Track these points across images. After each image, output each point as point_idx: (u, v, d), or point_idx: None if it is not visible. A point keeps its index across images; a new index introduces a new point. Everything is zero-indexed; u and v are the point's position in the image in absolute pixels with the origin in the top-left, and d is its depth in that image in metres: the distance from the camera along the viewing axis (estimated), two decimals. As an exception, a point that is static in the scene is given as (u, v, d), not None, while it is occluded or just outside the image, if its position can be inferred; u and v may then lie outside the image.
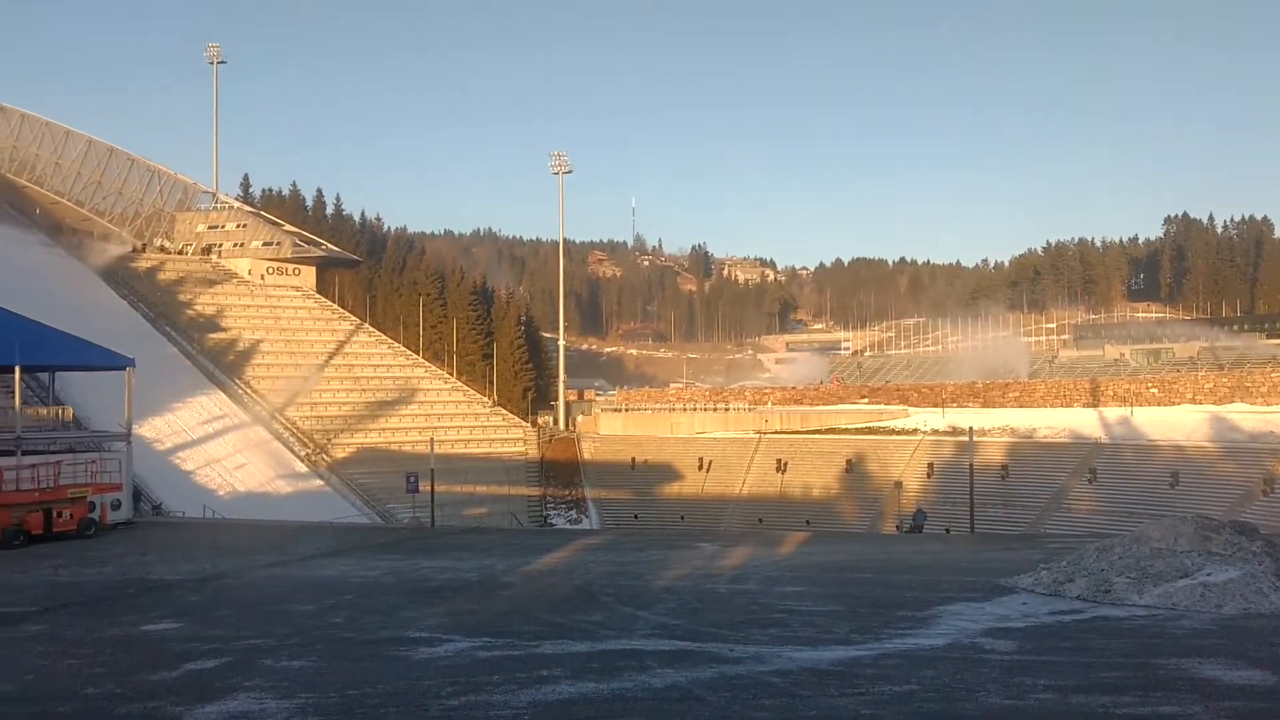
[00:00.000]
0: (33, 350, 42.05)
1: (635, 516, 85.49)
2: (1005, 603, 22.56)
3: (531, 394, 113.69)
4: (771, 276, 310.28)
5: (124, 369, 45.52)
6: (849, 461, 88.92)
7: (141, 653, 19.49)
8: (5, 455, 40.42)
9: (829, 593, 24.80)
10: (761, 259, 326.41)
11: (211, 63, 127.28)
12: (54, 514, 38.29)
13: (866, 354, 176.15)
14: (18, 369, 42.51)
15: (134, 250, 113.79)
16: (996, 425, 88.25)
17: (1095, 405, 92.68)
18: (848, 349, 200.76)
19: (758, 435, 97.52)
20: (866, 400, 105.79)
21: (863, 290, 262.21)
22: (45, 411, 50.22)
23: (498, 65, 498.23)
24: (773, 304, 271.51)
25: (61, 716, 15.28)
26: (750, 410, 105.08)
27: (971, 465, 55.05)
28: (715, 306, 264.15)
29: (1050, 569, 24.47)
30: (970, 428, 64.46)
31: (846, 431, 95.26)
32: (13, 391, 43.97)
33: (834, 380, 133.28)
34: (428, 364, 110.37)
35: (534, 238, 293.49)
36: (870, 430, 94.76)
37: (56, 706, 15.81)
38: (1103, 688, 14.99)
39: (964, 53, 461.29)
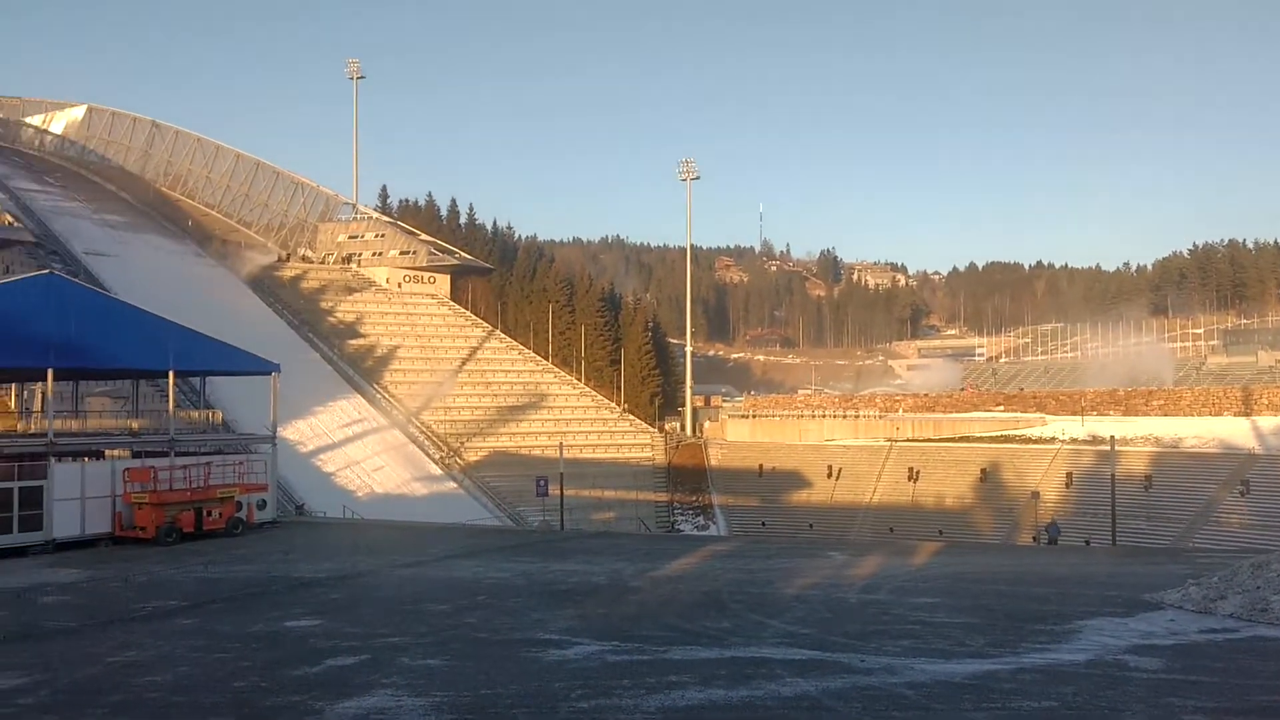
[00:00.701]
0: (185, 356, 44.05)
1: (763, 524, 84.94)
2: (1151, 619, 21.65)
3: (658, 400, 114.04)
4: (903, 281, 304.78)
5: (269, 374, 47.33)
6: (983, 470, 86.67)
7: (285, 648, 20.22)
8: (159, 456, 42.44)
9: (963, 604, 24.19)
10: (892, 263, 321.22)
11: (352, 78, 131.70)
12: (204, 513, 40.04)
13: (1001, 360, 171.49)
14: (171, 374, 44.61)
15: (279, 260, 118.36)
16: (1139, 434, 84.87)
17: (1248, 414, 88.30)
18: (982, 355, 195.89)
19: (889, 443, 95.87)
20: (1002, 408, 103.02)
21: (997, 295, 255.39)
22: (196, 415, 52.49)
23: (626, 74, 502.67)
24: (904, 309, 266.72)
25: (212, 708, 15.95)
26: (881, 417, 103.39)
27: (1113, 475, 53.05)
28: (844, 312, 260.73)
29: (1200, 585, 23.36)
30: (1111, 436, 62.14)
31: (981, 440, 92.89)
32: (167, 395, 46.14)
33: (968, 387, 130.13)
34: (556, 370, 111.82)
35: (661, 244, 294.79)
36: (1006, 438, 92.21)
37: (207, 698, 16.52)
38: (1258, 712, 14.25)
39: (1101, 44, 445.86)
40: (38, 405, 58.16)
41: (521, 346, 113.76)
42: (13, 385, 65.94)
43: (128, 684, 17.44)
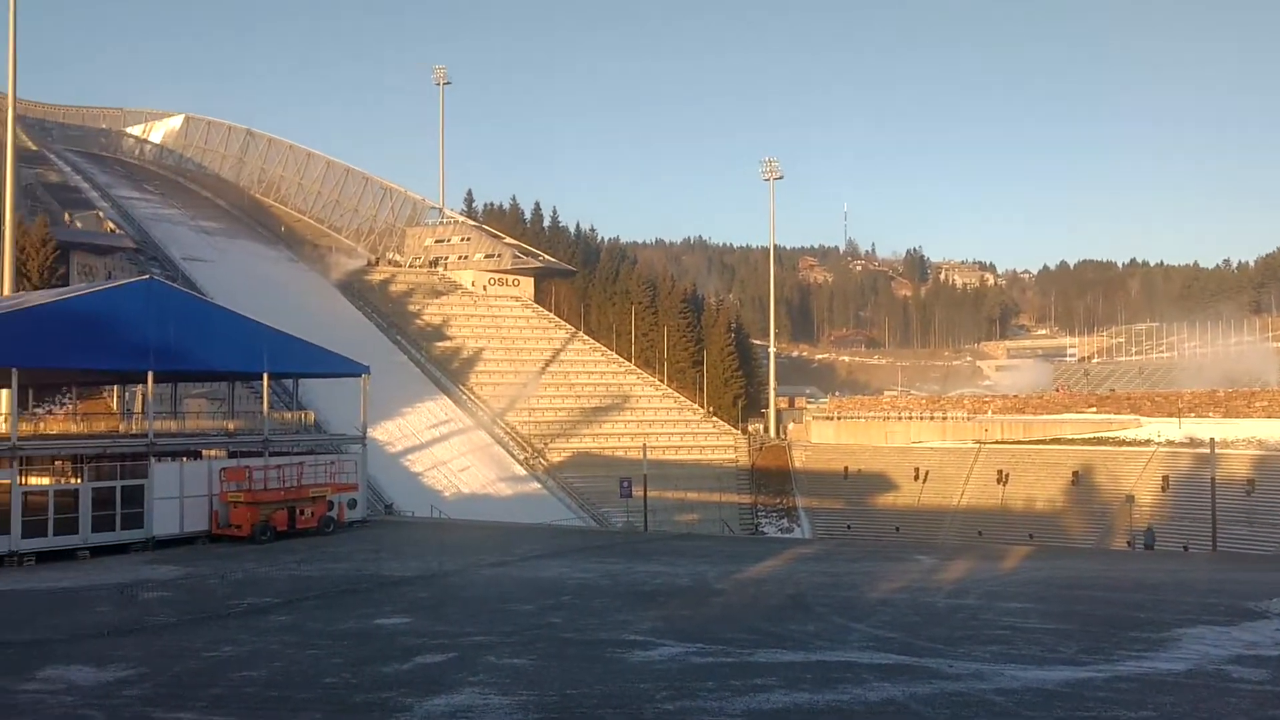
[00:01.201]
0: (279, 359, 45.11)
1: (848, 527, 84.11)
2: (1255, 628, 20.97)
3: (742, 401, 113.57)
4: (991, 280, 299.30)
5: (359, 376, 48.28)
6: (1075, 473, 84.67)
7: (375, 645, 20.61)
8: (254, 456, 43.52)
9: (1055, 610, 23.68)
10: (980, 262, 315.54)
11: (438, 84, 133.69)
12: (297, 512, 40.97)
13: (1094, 361, 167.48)
14: (265, 376, 45.70)
15: (368, 264, 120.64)
16: (1241, 437, 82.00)
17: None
18: (1073, 355, 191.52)
19: (977, 445, 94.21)
20: (1094, 409, 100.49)
21: (1090, 294, 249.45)
22: (289, 415, 53.72)
23: (708, 74, 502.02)
24: (993, 308, 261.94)
25: (304, 703, 16.33)
26: (969, 419, 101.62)
27: (1213, 479, 51.37)
28: (931, 312, 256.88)
29: (1307, 593, 22.55)
30: (1211, 439, 60.07)
31: (1073, 442, 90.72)
32: (261, 397, 47.32)
33: (1059, 388, 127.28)
34: (639, 371, 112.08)
35: (744, 245, 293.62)
36: (1099, 441, 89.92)
37: (299, 693, 16.92)
38: (1370, 726, 13.71)
39: (1198, 34, 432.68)
40: (138, 407, 60.08)
41: (604, 348, 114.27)
42: (115, 387, 68.25)
43: (224, 678, 17.95)
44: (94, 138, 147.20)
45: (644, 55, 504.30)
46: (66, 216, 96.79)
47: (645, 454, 60.69)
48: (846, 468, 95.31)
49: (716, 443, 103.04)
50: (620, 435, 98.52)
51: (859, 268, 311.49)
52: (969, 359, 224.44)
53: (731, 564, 32.97)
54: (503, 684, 16.86)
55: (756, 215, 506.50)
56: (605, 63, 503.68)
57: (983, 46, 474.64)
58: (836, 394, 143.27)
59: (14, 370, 36.81)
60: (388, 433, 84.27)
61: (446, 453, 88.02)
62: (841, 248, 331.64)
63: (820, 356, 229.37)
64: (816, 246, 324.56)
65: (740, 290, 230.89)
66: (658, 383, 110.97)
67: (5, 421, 43.03)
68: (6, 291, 63.46)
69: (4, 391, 55.43)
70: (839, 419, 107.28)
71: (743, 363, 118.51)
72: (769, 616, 22.92)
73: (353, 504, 44.84)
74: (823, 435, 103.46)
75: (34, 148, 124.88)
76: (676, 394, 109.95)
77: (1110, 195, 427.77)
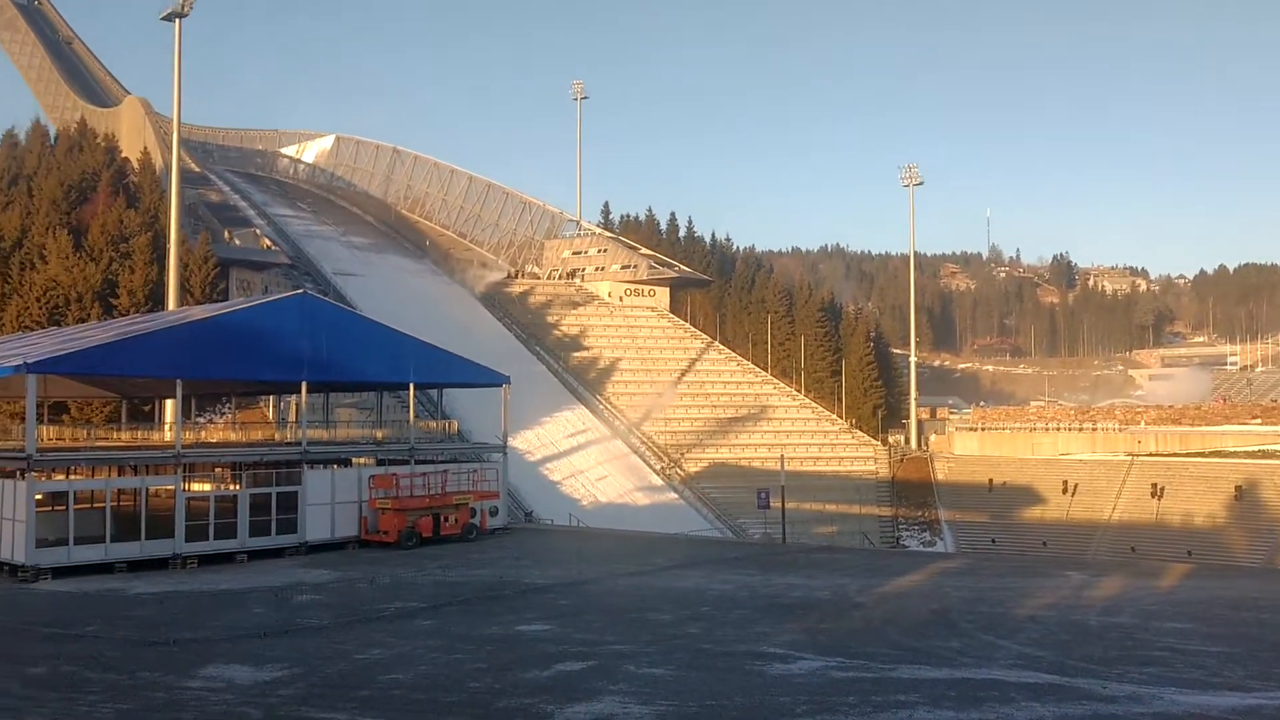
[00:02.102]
0: (424, 369, 46.38)
1: (993, 541, 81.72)
2: None
3: (881, 412, 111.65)
4: (1144, 286, 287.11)
5: (500, 386, 49.23)
6: (1238, 488, 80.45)
7: (517, 651, 20.94)
8: (401, 464, 44.77)
9: (1219, 632, 22.50)
10: (1132, 267, 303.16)
11: (576, 99, 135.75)
12: (441, 519, 41.96)
13: (1258, 370, 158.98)
14: (411, 386, 47.04)
15: (508, 276, 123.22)
16: None
17: None
18: (1234, 364, 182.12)
19: (1130, 458, 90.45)
20: (1259, 420, 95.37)
21: (1252, 299, 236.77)
22: (434, 424, 55.23)
23: (845, 80, 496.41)
24: (1145, 315, 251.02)
25: (449, 706, 16.70)
26: (1121, 430, 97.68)
27: (1394, 496, 48.14)
28: (1079, 319, 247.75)
29: None
30: (1392, 453, 56.46)
31: (1235, 455, 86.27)
32: (408, 406, 48.72)
33: (1218, 398, 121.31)
34: (776, 381, 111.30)
35: (882, 252, 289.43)
36: (1264, 454, 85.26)
37: (445, 696, 17.31)
38: None
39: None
40: (293, 416, 62.48)
41: (740, 358, 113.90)
42: (270, 397, 71.17)
43: (373, 680, 18.49)
44: (251, 158, 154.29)
45: (779, 65, 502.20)
46: (226, 234, 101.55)
47: (783, 465, 60.24)
48: (991, 480, 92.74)
49: (856, 454, 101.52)
50: (757, 446, 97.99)
51: (1002, 274, 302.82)
52: (1120, 368, 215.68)
53: (872, 577, 32.39)
54: (642, 693, 16.92)
55: (896, 222, 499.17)
56: (740, 72, 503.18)
57: (1130, 36, 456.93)
58: (980, 404, 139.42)
59: (178, 381, 38.80)
60: (527, 441, 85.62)
61: (584, 462, 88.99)
62: (984, 254, 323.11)
63: (963, 366, 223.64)
64: (958, 253, 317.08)
65: (879, 298, 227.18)
66: (795, 393, 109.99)
67: (171, 430, 45.32)
68: (171, 306, 66.89)
69: (169, 402, 58.45)
70: (983, 430, 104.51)
71: (882, 372, 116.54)
72: (911, 631, 22.42)
73: (494, 511, 45.67)
74: (966, 447, 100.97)
75: (197, 169, 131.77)
76: (814, 404, 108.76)
77: (1273, 194, 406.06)
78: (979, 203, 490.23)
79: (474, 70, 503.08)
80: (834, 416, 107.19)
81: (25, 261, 76.52)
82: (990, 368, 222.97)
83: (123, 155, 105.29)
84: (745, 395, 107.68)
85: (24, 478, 33.22)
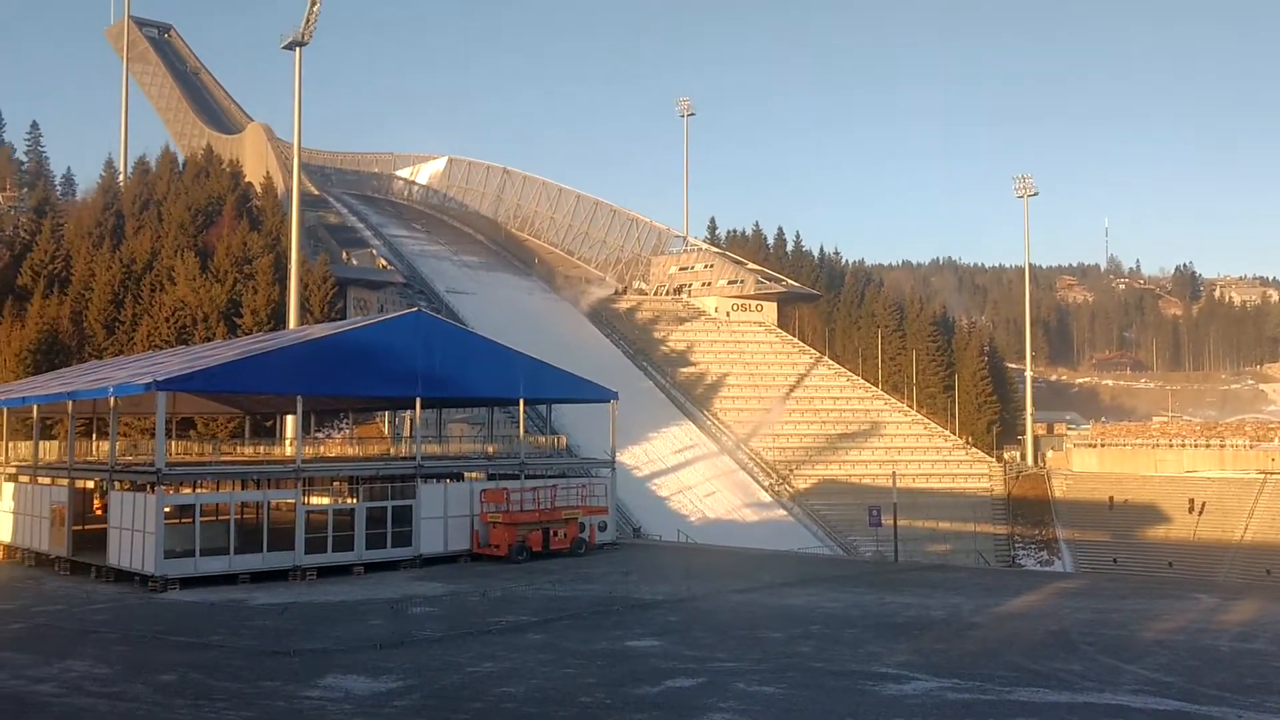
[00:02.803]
0: (534, 385, 46.93)
1: (1114, 560, 79.00)
2: None
3: (996, 427, 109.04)
4: (1275, 296, 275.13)
5: (608, 401, 49.50)
6: (1382, 508, 76.38)
7: (627, 666, 20.95)
8: (511, 479, 45.33)
9: (1363, 661, 21.33)
10: (1262, 277, 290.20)
11: (682, 115, 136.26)
12: (551, 533, 42.34)
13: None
14: (521, 402, 47.66)
15: (615, 292, 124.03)
16: None
17: None
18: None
19: (1263, 475, 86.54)
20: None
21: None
22: (543, 440, 55.67)
23: (955, 90, 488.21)
24: (1277, 327, 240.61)
25: (561, 720, 16.78)
26: (1252, 447, 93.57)
27: None
28: (1205, 332, 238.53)
29: None
30: None
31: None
32: (518, 421, 49.34)
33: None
34: (887, 396, 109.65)
35: (996, 264, 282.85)
36: None
37: (557, 710, 17.40)
38: None
39: None
40: (407, 431, 63.81)
41: (850, 373, 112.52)
42: (385, 412, 72.79)
43: (486, 693, 18.70)
44: (368, 181, 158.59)
45: (886, 75, 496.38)
46: (344, 255, 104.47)
47: (894, 481, 59.30)
48: (1112, 498, 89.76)
49: (969, 470, 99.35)
50: (868, 462, 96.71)
51: (1122, 286, 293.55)
52: (1250, 382, 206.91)
53: (988, 597, 31.58)
54: (753, 711, 16.76)
55: (1009, 234, 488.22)
56: (846, 85, 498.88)
57: (1251, 38, 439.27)
58: (1101, 420, 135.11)
59: (299, 397, 39.94)
60: (635, 457, 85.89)
61: (692, 478, 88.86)
62: (1103, 265, 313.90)
63: (1081, 380, 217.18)
64: (1075, 265, 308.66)
65: (993, 312, 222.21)
66: (906, 408, 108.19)
67: (291, 445, 46.70)
68: (292, 324, 69.07)
69: (290, 417, 60.28)
70: (1103, 446, 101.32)
71: (996, 387, 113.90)
72: (1030, 653, 21.77)
73: (603, 526, 45.89)
74: (1085, 463, 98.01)
75: (316, 192, 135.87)
76: (926, 420, 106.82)
77: None
78: (1096, 213, 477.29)
79: (581, 89, 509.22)
80: (947, 433, 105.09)
81: (155, 283, 79.88)
82: (1110, 382, 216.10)
83: (246, 180, 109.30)
84: (855, 411, 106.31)
85: (154, 491, 34.56)
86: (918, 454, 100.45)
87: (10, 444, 48.95)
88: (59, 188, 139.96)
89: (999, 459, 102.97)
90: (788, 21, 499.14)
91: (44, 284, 79.88)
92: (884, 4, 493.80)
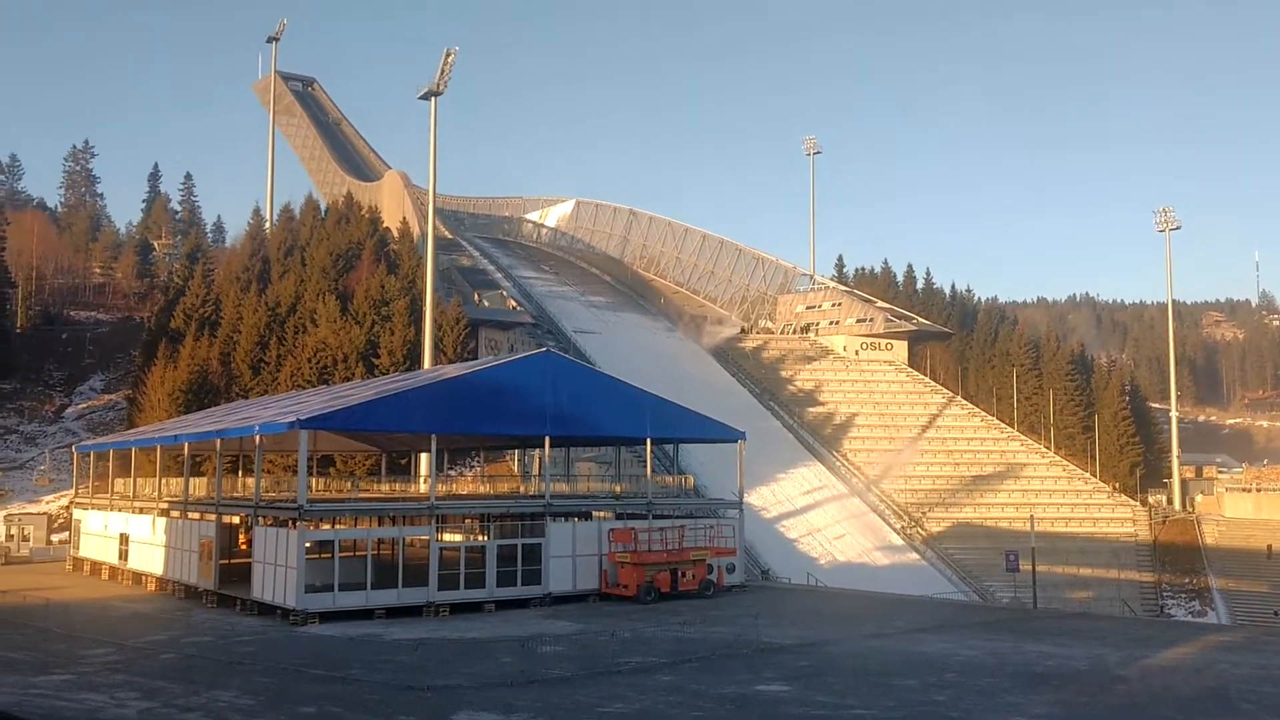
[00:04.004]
0: (660, 424, 47.13)
1: (1276, 613, 74.66)
2: None
3: (1140, 470, 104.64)
4: None
5: (735, 441, 49.30)
6: None
7: (757, 711, 20.66)
8: (639, 518, 45.43)
9: None
10: None
11: (808, 154, 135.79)
12: (679, 574, 42.21)
13: None
14: (648, 441, 47.85)
15: (741, 331, 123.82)
16: None
17: None
18: None
19: None
20: None
21: None
22: (670, 479, 55.69)
23: (1093, 122, 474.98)
24: None
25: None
26: None
27: None
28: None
29: None
30: None
31: None
32: (645, 461, 49.49)
33: None
34: (1023, 437, 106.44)
35: (1136, 300, 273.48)
36: None
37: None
38: None
39: None
40: (536, 469, 64.66)
41: (984, 413, 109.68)
42: (515, 451, 73.94)
43: (616, 734, 18.65)
44: (498, 224, 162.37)
45: (1016, 105, 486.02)
46: (476, 296, 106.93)
47: (1032, 525, 57.33)
48: (1270, 546, 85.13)
49: (1112, 515, 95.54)
50: (1004, 505, 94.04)
51: (1275, 322, 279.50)
52: None
53: (1135, 648, 30.20)
54: (888, 762, 16.31)
55: (1151, 269, 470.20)
56: (975, 118, 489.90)
57: None
58: (1259, 463, 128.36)
59: (433, 436, 40.93)
60: (763, 498, 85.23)
61: (821, 520, 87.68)
62: (1253, 300, 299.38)
63: (1231, 421, 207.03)
64: (1223, 300, 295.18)
65: (1134, 350, 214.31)
66: (1044, 450, 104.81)
67: (425, 483, 47.79)
68: (427, 365, 70.87)
69: (424, 455, 61.75)
70: (1258, 490, 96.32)
71: (1139, 428, 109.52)
72: (1184, 710, 20.71)
73: (731, 568, 45.57)
74: (1238, 508, 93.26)
75: (450, 236, 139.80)
76: (1065, 462, 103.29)
77: None
78: (1245, 246, 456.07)
79: (707, 130, 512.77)
80: (1087, 475, 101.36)
81: (298, 325, 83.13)
82: (1264, 423, 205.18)
83: (384, 225, 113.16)
84: (990, 452, 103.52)
85: (296, 527, 35.74)
86: (1056, 497, 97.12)
87: (164, 480, 51.29)
88: (210, 235, 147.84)
89: (1143, 503, 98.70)
90: (911, 55, 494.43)
91: (195, 327, 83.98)
92: (1007, 31, 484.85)
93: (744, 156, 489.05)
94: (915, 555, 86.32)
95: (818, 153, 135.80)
